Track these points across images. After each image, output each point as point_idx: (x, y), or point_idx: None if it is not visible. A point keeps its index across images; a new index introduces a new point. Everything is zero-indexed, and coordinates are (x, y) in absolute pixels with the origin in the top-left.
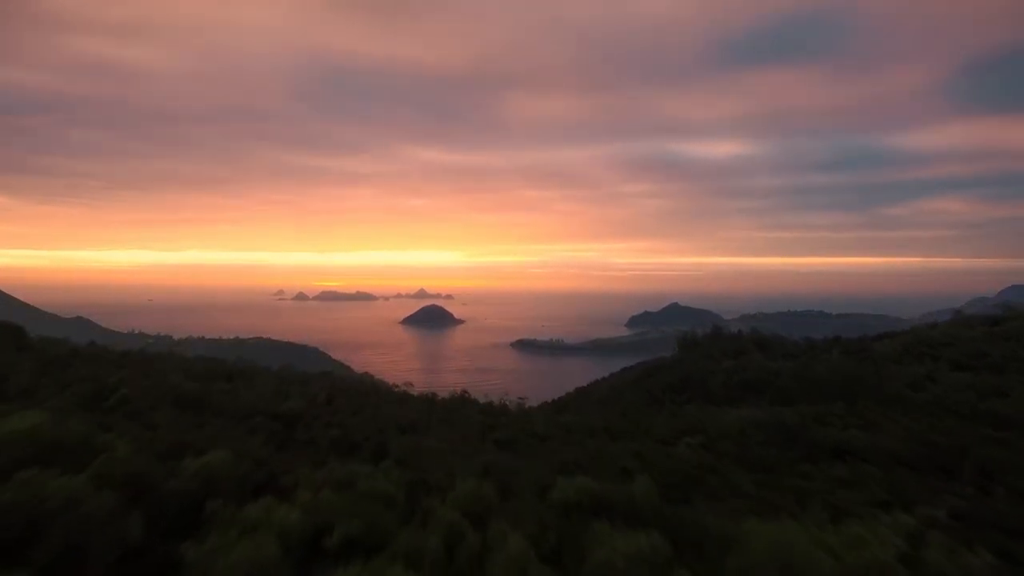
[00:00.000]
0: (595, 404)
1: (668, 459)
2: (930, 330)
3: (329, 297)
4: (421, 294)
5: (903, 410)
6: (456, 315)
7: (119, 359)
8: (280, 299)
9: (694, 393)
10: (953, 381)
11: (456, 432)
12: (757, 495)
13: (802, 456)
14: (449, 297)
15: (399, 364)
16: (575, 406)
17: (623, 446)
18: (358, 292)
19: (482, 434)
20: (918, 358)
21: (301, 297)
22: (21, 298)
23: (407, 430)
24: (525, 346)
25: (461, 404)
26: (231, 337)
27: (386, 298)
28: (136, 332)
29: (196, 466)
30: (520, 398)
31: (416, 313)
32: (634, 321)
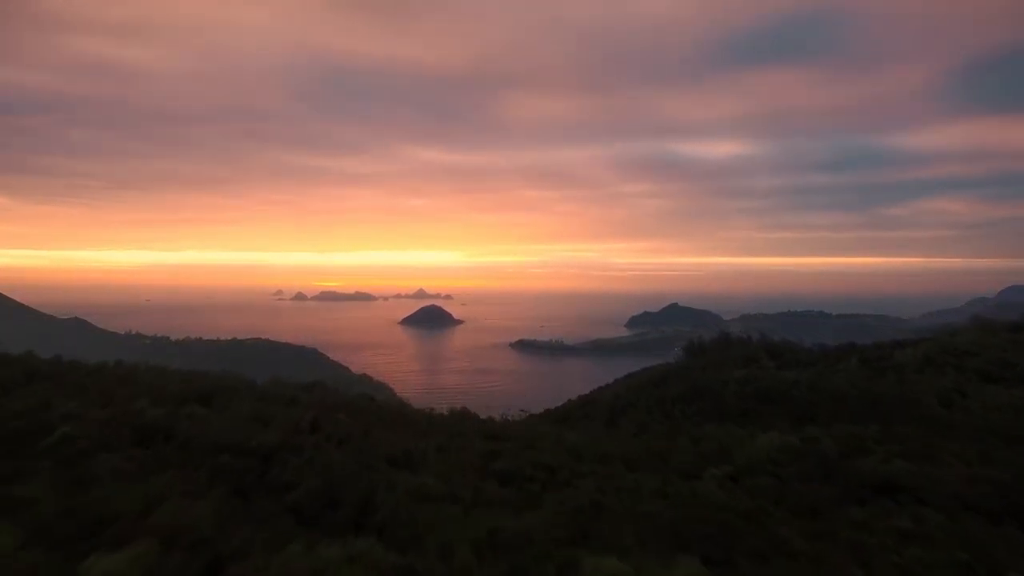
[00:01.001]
0: (603, 417)
1: (697, 500)
2: (952, 337)
3: (328, 297)
4: (420, 294)
5: (944, 433)
6: (455, 315)
7: (83, 379)
8: (279, 299)
9: (705, 404)
10: (985, 396)
11: (454, 463)
12: (810, 554)
13: (847, 494)
14: (448, 297)
15: (398, 365)
16: (580, 416)
17: (642, 480)
18: (357, 292)
19: (484, 465)
20: (941, 368)
21: (300, 297)
22: (20, 299)
23: (400, 463)
24: (525, 346)
25: (460, 422)
26: (229, 338)
27: (385, 298)
28: (133, 333)
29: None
30: (522, 410)
31: (415, 313)
32: (634, 321)
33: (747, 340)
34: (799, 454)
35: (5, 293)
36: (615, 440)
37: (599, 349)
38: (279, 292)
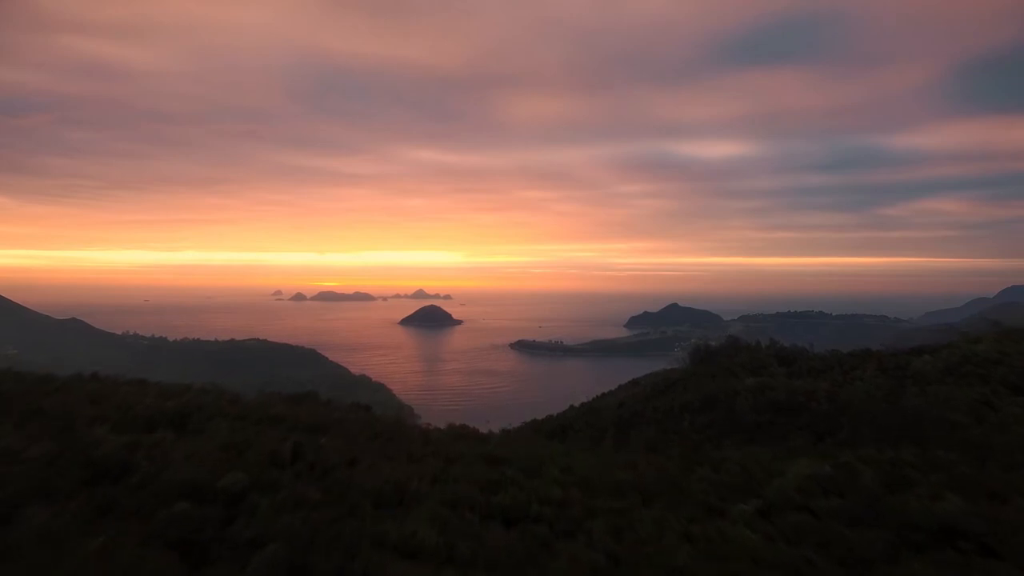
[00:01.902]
0: (608, 428)
1: (728, 548)
2: (974, 344)
3: (327, 297)
4: (420, 294)
5: (986, 456)
6: (455, 315)
7: (43, 399)
8: (278, 299)
9: (717, 415)
10: (1017, 409)
11: (452, 498)
12: None
13: (900, 540)
14: (448, 297)
15: (398, 366)
16: (583, 426)
17: (663, 519)
18: (356, 292)
19: (485, 499)
20: (965, 378)
21: (299, 297)
22: (18, 299)
23: (389, 502)
24: (524, 347)
25: (458, 440)
26: (227, 339)
27: (384, 298)
28: (131, 333)
29: None
30: (524, 423)
31: (415, 313)
32: (633, 322)
33: (756, 345)
34: (834, 485)
35: (2, 294)
36: (626, 465)
37: (599, 350)
38: (278, 292)
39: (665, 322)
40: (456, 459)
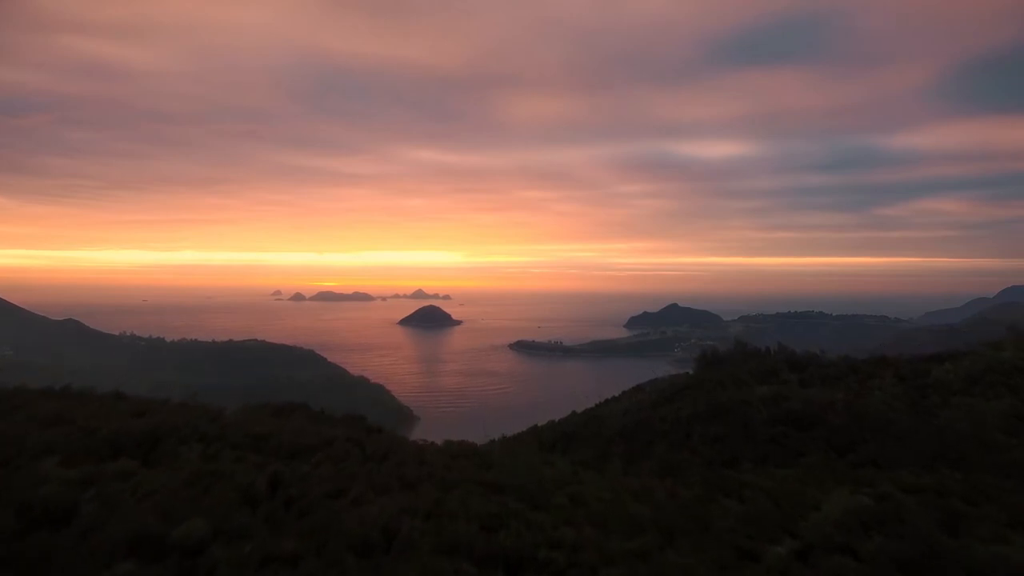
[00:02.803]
0: (614, 440)
1: None
2: (998, 352)
3: (326, 297)
4: (419, 294)
5: None
6: (454, 316)
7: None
8: (277, 299)
9: (729, 428)
10: None
11: (447, 541)
12: None
13: None
14: (447, 298)
15: (397, 366)
16: (587, 436)
17: (690, 567)
18: (355, 292)
19: (485, 540)
20: (991, 388)
21: (298, 297)
22: (17, 299)
23: (374, 548)
24: (524, 347)
25: (455, 461)
26: (225, 340)
27: (384, 298)
28: (128, 334)
29: None
30: (525, 430)
31: (414, 314)
32: (633, 322)
33: (765, 351)
34: (878, 521)
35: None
36: (640, 491)
37: (598, 350)
38: (277, 292)
39: (665, 322)
40: (453, 485)
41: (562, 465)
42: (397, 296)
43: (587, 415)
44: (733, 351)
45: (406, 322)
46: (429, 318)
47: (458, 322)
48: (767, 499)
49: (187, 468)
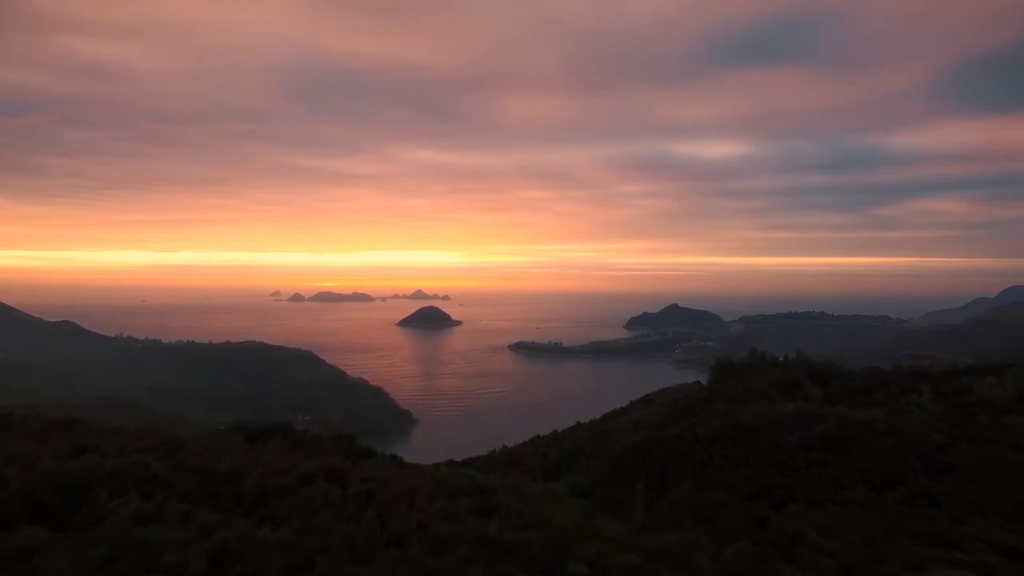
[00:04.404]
0: (628, 468)
1: None
2: None
3: (326, 298)
4: (418, 295)
5: None
6: (454, 316)
7: None
8: (276, 300)
9: (754, 451)
10: None
11: None
12: None
13: None
14: (447, 298)
15: (396, 368)
16: (594, 453)
17: None
18: (355, 293)
19: None
20: None
21: (297, 298)
22: (14, 300)
23: None
24: (524, 348)
25: (454, 503)
26: (222, 341)
27: (383, 299)
28: (125, 335)
29: None
30: (527, 440)
31: (413, 314)
32: (633, 322)
33: (784, 360)
34: None
35: None
36: (674, 554)
37: (599, 351)
38: (276, 293)
39: (665, 323)
40: (449, 543)
41: (572, 505)
42: (397, 296)
43: (593, 428)
44: (750, 360)
45: (406, 323)
46: (429, 319)
47: (458, 323)
48: (834, 566)
49: (108, 539)
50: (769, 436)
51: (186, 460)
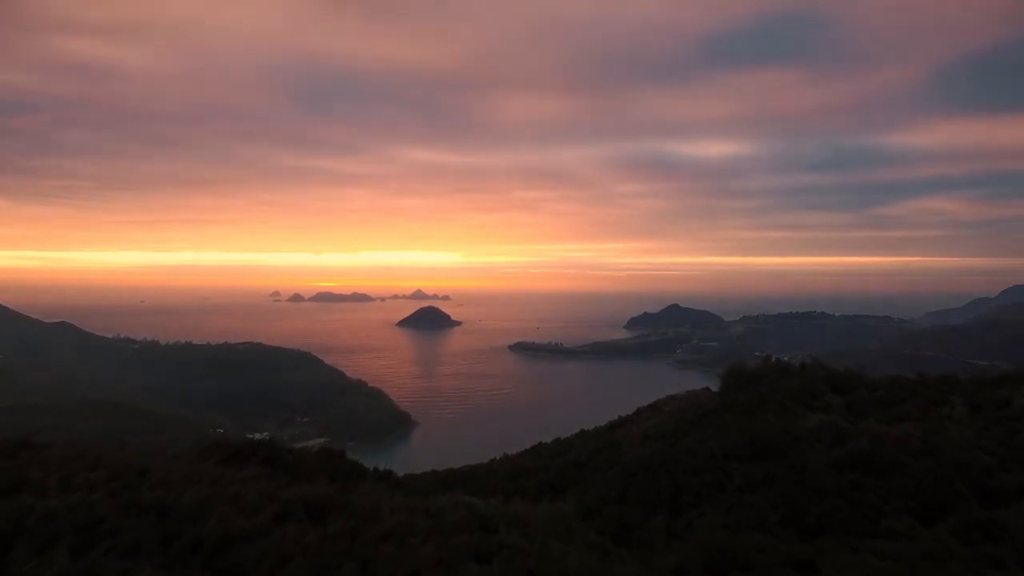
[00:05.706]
0: (637, 485)
1: None
2: None
3: (325, 298)
4: (418, 295)
5: None
6: (453, 316)
7: None
8: (276, 300)
9: (779, 470)
10: None
11: None
12: None
13: None
14: (446, 298)
15: (395, 369)
16: (598, 466)
17: None
18: (354, 293)
19: None
20: None
21: (297, 298)
22: (9, 301)
23: None
24: (524, 349)
25: (452, 541)
26: (220, 342)
27: (382, 299)
28: (122, 337)
29: None
30: (528, 449)
31: (413, 315)
32: (633, 323)
33: (800, 367)
34: None
35: None
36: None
37: (599, 352)
38: (276, 293)
39: (666, 323)
40: None
41: (583, 538)
42: (396, 296)
43: (599, 438)
44: (764, 367)
45: (405, 323)
46: (428, 319)
47: (457, 323)
48: None
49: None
50: (796, 454)
51: (142, 495)
